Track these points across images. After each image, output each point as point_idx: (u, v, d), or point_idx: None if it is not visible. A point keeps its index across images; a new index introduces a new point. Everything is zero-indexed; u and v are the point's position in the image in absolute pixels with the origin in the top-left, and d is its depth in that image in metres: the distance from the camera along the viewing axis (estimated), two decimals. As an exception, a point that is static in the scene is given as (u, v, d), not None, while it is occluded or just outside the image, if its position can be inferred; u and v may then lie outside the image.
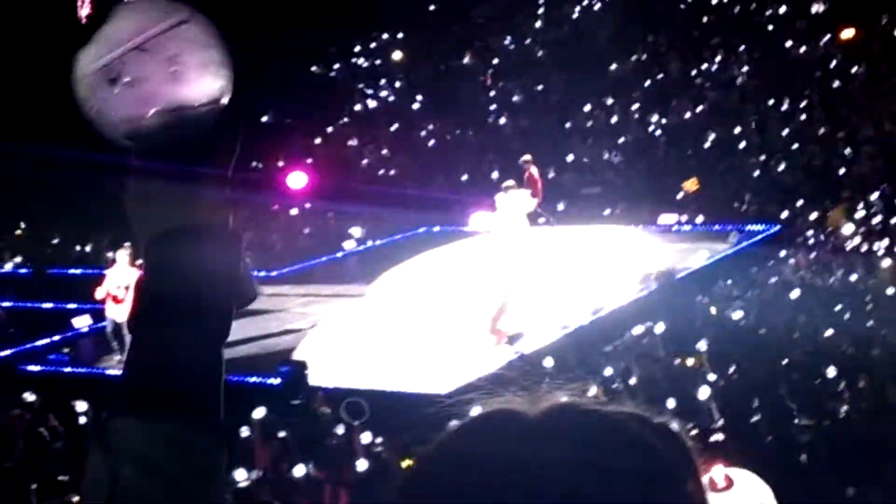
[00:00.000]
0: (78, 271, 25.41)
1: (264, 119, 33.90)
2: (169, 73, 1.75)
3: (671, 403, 14.37)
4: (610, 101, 29.70)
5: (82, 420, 15.99)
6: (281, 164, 31.33)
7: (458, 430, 1.50)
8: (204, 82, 1.78)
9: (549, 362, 16.25)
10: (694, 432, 13.32)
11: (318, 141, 32.66)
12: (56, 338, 21.12)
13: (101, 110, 1.76)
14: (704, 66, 29.53)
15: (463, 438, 1.47)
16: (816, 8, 29.45)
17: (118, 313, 18.43)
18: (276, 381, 17.40)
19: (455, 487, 1.37)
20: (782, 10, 30.08)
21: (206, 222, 1.75)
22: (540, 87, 31.75)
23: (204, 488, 1.68)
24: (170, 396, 1.68)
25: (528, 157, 24.88)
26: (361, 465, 13.75)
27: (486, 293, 19.43)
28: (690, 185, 24.83)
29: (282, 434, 14.92)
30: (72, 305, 22.08)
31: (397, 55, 35.09)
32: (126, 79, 1.75)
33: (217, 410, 1.73)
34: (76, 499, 12.33)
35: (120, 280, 18.70)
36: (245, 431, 14.75)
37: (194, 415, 1.69)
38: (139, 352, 1.72)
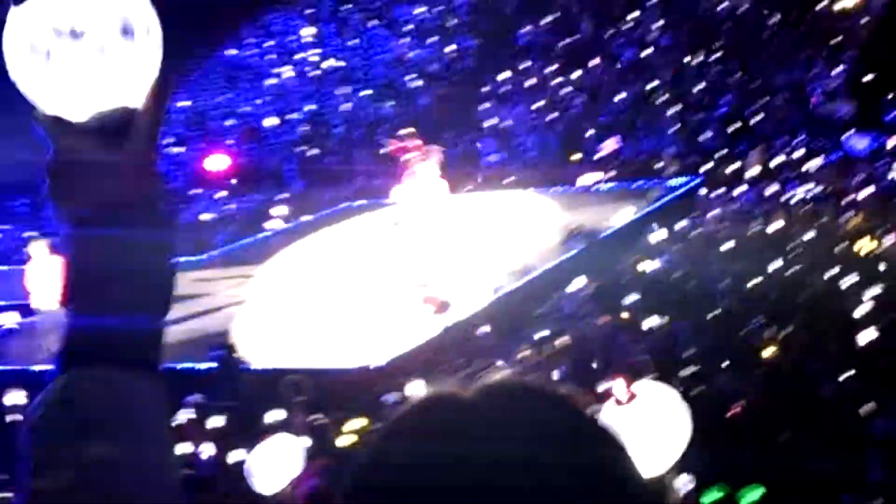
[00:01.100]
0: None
1: (182, 103, 33.63)
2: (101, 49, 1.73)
3: (602, 363, 14.50)
4: (524, 66, 29.73)
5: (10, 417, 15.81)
6: (201, 147, 31.13)
7: (396, 424, 1.51)
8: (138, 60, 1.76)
9: (482, 328, 16.34)
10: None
11: (236, 122, 32.44)
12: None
13: (33, 82, 1.73)
14: (616, 24, 29.63)
15: (403, 432, 1.49)
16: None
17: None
18: (208, 365, 17.32)
19: (401, 487, 1.39)
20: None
21: (139, 198, 1.75)
22: (454, 55, 31.70)
23: (153, 436, 1.70)
24: (110, 349, 1.70)
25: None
26: (303, 444, 13.71)
27: (411, 263, 19.47)
28: (609, 144, 24.98)
29: (217, 420, 14.86)
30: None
31: (308, 30, 34.89)
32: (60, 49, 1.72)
33: (157, 363, 1.75)
34: (10, 496, 12.23)
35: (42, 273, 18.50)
36: (179, 418, 14.67)
37: (138, 367, 1.71)
38: (77, 321, 1.72)
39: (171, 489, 1.71)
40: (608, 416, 3.70)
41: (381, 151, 25.67)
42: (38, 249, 18.71)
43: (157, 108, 1.81)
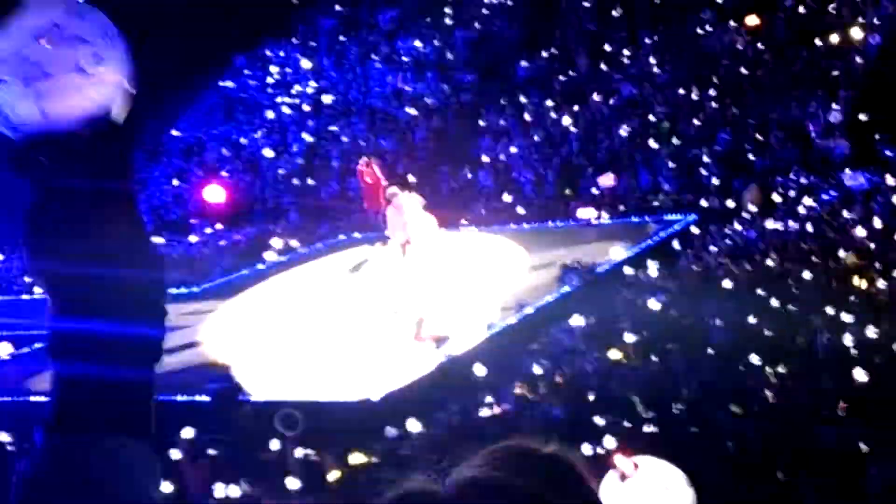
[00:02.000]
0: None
1: (177, 133, 33.68)
2: (76, 69, 1.74)
3: (597, 398, 14.51)
4: (522, 100, 29.80)
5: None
6: (198, 177, 31.18)
7: None
8: (105, 81, 1.77)
9: (478, 368, 16.33)
10: (624, 426, 13.45)
11: (231, 154, 32.46)
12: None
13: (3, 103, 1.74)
14: (614, 59, 29.71)
15: None
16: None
17: None
18: (204, 398, 17.29)
19: None
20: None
21: (129, 246, 1.74)
22: (451, 89, 31.76)
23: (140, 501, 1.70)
24: (104, 413, 1.68)
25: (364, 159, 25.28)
26: (294, 481, 13.67)
27: (406, 298, 19.48)
28: (606, 180, 25.01)
29: (212, 452, 14.83)
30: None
31: (306, 63, 34.96)
32: (26, 74, 1.72)
33: (149, 427, 1.74)
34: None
35: None
36: (175, 452, 14.63)
37: (128, 431, 1.70)
38: (69, 374, 1.70)
39: None
40: (610, 489, 3.69)
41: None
42: None
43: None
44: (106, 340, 1.70)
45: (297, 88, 34.22)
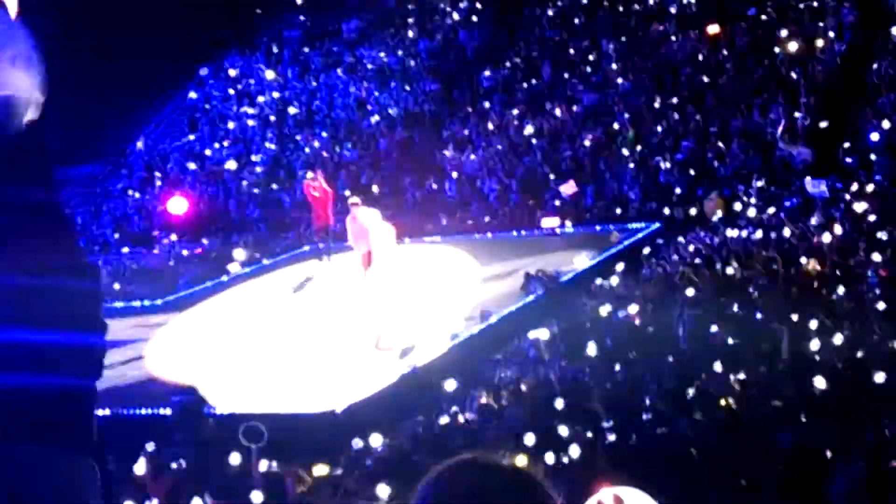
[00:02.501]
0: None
1: (139, 145, 33.58)
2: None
3: (561, 406, 14.51)
4: (485, 110, 29.86)
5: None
6: (159, 189, 31.09)
7: None
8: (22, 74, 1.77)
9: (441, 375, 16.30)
10: (588, 435, 13.46)
11: (195, 165, 32.38)
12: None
13: None
14: (576, 69, 29.81)
15: None
16: (678, 8, 29.90)
17: None
18: (166, 411, 17.22)
19: None
20: (649, 5, 30.50)
21: (64, 259, 1.73)
22: (415, 99, 31.80)
23: None
24: (36, 423, 1.66)
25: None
26: (257, 495, 13.59)
27: (367, 309, 19.48)
28: (569, 188, 25.06)
29: (174, 465, 14.76)
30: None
31: (270, 74, 34.94)
32: None
33: (88, 438, 1.71)
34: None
35: None
36: (138, 466, 14.56)
37: (63, 442, 1.67)
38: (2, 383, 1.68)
39: None
40: None
41: (344, 194, 25.76)
42: None
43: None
44: (40, 350, 1.68)
45: (260, 99, 34.19)
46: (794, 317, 16.22)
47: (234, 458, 14.59)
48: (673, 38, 29.12)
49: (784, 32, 26.97)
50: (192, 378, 18.80)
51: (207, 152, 32.74)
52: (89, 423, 1.74)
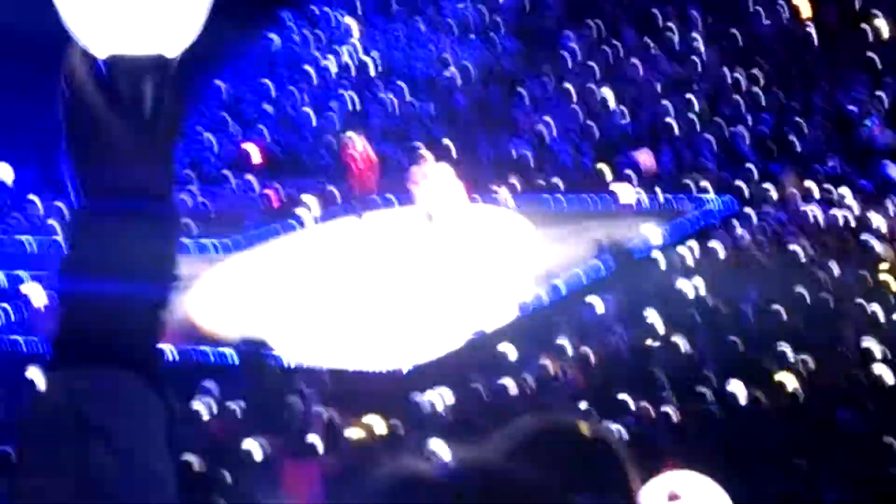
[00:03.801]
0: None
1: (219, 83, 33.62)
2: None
3: (624, 377, 14.50)
4: (563, 70, 29.64)
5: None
6: (235, 133, 31.19)
7: None
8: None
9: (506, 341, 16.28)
10: (649, 409, 13.43)
11: (271, 109, 32.40)
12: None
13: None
14: (659, 36, 29.50)
15: None
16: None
17: None
18: (229, 352, 17.36)
19: None
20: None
21: (152, 184, 1.71)
22: (493, 57, 31.63)
23: (146, 442, 1.65)
24: (107, 350, 1.64)
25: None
26: (314, 438, 13.69)
27: (440, 269, 19.47)
28: (644, 157, 24.87)
29: (233, 406, 14.87)
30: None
31: (350, 20, 34.84)
32: None
33: (155, 367, 1.69)
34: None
35: None
36: (196, 404, 14.69)
37: (132, 368, 1.65)
38: (73, 308, 1.67)
39: (167, 497, 1.68)
40: None
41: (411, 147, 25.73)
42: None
43: (182, 95, 1.77)
44: (116, 272, 1.67)
45: (339, 48, 34.08)
46: (863, 301, 16.09)
47: (293, 404, 14.68)
48: (760, 9, 28.71)
49: (874, 11, 26.55)
50: (255, 322, 18.90)
51: (283, 96, 32.70)
52: (157, 352, 1.72)
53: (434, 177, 20.01)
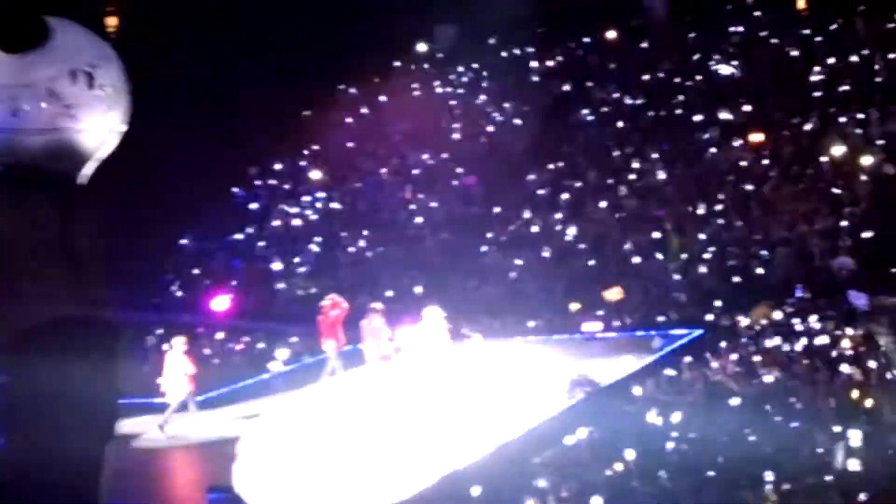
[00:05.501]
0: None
1: (184, 242, 33.67)
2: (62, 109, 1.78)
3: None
4: (528, 214, 29.90)
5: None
6: (205, 285, 31.15)
7: None
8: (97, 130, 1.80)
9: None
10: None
11: (240, 263, 32.45)
12: None
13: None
14: (621, 174, 29.87)
15: None
16: (725, 115, 30.01)
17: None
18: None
19: None
20: (695, 118, 30.63)
21: (86, 315, 1.72)
22: (459, 201, 31.90)
23: None
24: (48, 491, 1.63)
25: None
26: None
27: (413, 410, 19.38)
28: (613, 294, 25.03)
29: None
30: None
31: (315, 174, 35.12)
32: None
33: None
34: None
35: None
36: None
37: None
38: (16, 445, 1.65)
39: None
40: None
41: (386, 294, 25.75)
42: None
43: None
44: (56, 412, 1.66)
45: (306, 199, 34.27)
46: (837, 427, 16.10)
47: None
48: (717, 145, 29.20)
49: (828, 142, 27.02)
50: (232, 474, 18.71)
51: (250, 250, 32.71)
52: (96, 492, 1.70)
53: (432, 321, 20.04)
